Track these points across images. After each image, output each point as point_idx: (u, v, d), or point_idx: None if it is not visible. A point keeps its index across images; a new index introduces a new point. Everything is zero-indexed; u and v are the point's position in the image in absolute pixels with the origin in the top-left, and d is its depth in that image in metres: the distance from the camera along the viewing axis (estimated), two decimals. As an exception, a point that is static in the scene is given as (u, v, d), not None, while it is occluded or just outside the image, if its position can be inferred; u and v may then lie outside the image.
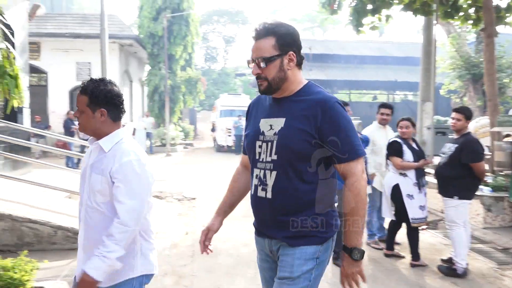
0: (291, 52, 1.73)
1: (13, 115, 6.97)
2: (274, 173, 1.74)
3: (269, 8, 58.54)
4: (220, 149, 18.83)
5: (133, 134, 17.06)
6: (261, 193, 1.78)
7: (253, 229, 1.95)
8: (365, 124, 6.88)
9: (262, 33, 1.71)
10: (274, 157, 1.74)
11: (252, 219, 1.92)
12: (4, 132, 6.13)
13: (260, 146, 1.79)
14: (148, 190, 1.89)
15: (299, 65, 1.78)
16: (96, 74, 15.66)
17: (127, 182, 1.81)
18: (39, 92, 15.39)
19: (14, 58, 3.02)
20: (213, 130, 20.60)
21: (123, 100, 1.97)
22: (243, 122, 18.04)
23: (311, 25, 46.80)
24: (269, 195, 1.75)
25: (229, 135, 18.32)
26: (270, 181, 1.75)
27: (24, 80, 6.05)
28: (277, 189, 1.74)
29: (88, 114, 1.88)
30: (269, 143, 1.76)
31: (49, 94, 16.43)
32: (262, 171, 1.78)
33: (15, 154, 6.34)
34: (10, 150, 6.61)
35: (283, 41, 1.71)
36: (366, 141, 4.72)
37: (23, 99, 3.01)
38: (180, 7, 19.41)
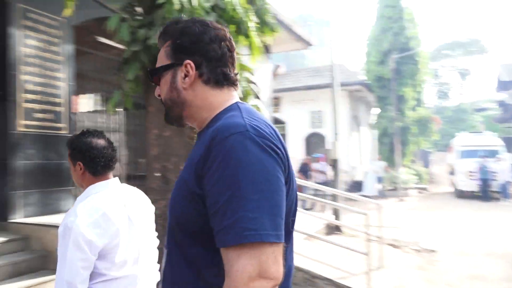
0: (187, 62, 1.11)
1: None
2: (166, 258, 1.12)
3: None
4: (461, 194, 16.61)
5: (365, 178, 17.12)
6: None
7: None
8: None
9: (161, 38, 1.18)
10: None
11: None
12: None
13: None
14: (80, 257, 1.56)
15: (216, 82, 1.12)
16: (328, 121, 16.69)
17: (60, 247, 1.58)
18: (280, 141, 17.37)
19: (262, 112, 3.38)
20: (451, 173, 18.53)
21: (102, 153, 1.73)
22: (489, 164, 15.56)
23: None
24: None
25: (472, 179, 16.00)
26: (163, 270, 1.13)
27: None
28: (168, 285, 1.09)
29: (71, 167, 1.78)
30: None
31: (288, 142, 18.28)
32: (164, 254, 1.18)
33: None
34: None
35: (178, 46, 1.13)
36: None
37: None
38: (407, 47, 18.87)
